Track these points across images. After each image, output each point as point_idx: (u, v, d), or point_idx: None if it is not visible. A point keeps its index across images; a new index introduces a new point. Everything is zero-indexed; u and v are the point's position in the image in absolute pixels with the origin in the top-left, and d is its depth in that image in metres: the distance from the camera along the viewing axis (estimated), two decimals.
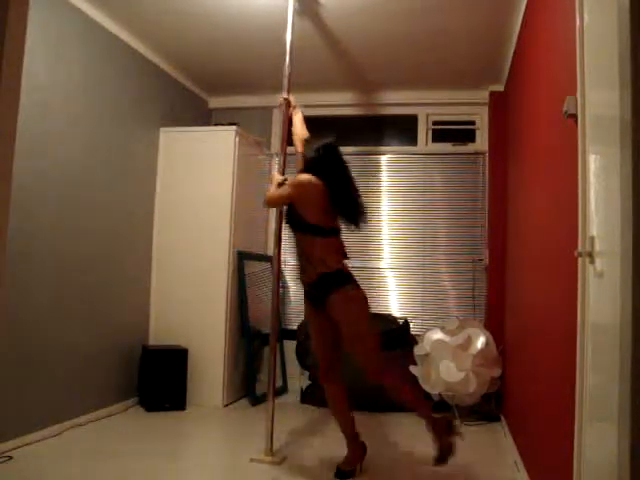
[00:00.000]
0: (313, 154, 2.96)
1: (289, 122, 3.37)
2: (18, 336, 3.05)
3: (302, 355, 4.49)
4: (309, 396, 4.38)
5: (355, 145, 5.15)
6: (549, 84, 2.48)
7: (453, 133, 5.00)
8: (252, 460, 3.01)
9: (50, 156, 3.29)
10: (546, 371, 2.35)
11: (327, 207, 2.85)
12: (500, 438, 3.63)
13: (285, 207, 3.04)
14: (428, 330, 4.33)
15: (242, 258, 4.43)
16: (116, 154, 3.94)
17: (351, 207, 2.92)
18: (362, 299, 2.85)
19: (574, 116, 1.80)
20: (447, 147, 4.99)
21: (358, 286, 2.88)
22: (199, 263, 4.31)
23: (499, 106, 4.56)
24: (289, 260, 5.05)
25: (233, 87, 5.02)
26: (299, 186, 2.85)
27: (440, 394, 4.04)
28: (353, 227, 2.94)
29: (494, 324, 4.37)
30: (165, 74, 4.55)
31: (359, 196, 2.96)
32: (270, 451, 3.06)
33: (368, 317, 2.88)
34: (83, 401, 3.57)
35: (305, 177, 2.87)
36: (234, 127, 4.44)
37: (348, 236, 4.98)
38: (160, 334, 4.31)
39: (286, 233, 3.18)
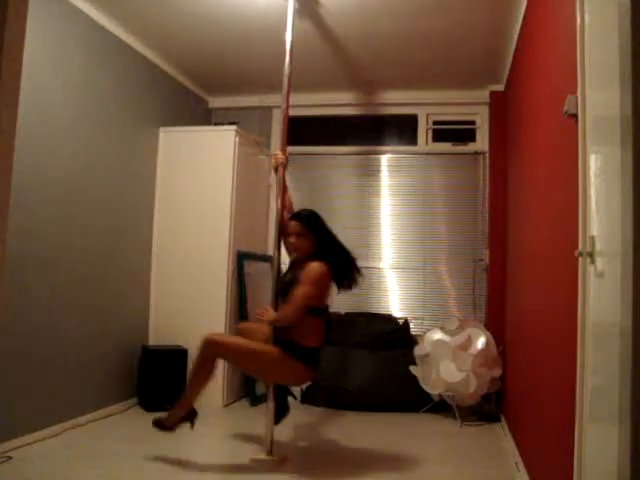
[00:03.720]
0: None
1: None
2: (17, 336, 3.04)
3: None
4: (309, 396, 4.38)
5: (355, 145, 5.16)
6: (549, 84, 2.48)
7: (453, 133, 4.99)
8: (252, 460, 3.01)
9: (50, 156, 3.29)
10: (546, 371, 2.35)
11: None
12: (500, 438, 3.63)
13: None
14: (428, 330, 4.33)
15: (242, 258, 4.43)
16: (116, 154, 3.94)
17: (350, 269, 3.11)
18: None
19: (574, 116, 1.80)
20: (447, 147, 4.99)
21: None
22: (199, 263, 4.31)
23: (499, 106, 4.56)
24: (288, 260, 5.05)
25: (233, 87, 5.02)
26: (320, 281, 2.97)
27: (440, 394, 4.04)
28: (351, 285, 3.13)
29: (494, 324, 4.37)
30: (165, 74, 4.55)
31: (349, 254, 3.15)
32: (270, 451, 3.06)
33: None
34: (83, 401, 3.57)
35: (324, 267, 2.96)
36: (234, 127, 4.44)
37: (348, 234, 5.01)
38: (160, 334, 4.31)
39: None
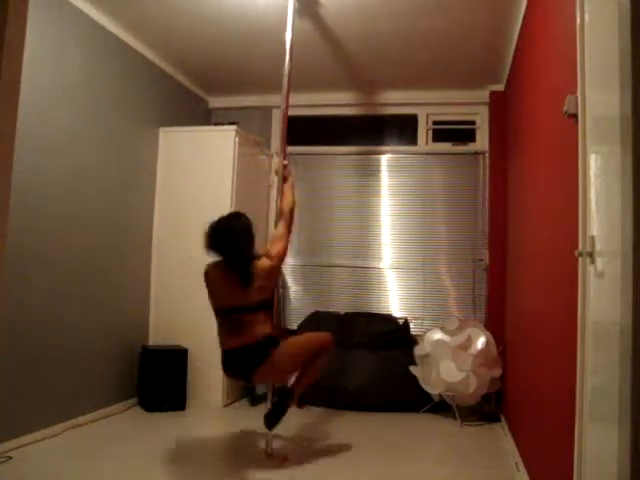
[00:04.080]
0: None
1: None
2: (18, 336, 3.04)
3: None
4: (309, 396, 4.37)
5: (355, 145, 5.16)
6: (549, 84, 2.48)
7: (453, 133, 4.99)
8: (252, 460, 3.01)
9: (50, 156, 3.29)
10: (546, 371, 2.35)
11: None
12: (500, 438, 3.63)
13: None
14: (428, 330, 4.33)
15: None
16: (116, 154, 3.94)
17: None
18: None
19: (574, 116, 1.80)
20: (447, 147, 4.99)
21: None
22: (199, 263, 4.29)
23: (499, 106, 4.56)
24: (289, 260, 5.05)
25: (233, 87, 5.02)
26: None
27: (440, 394, 4.03)
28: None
29: (494, 324, 4.37)
30: (165, 74, 4.55)
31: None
32: (270, 451, 3.06)
33: None
34: (83, 401, 3.57)
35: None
36: (234, 127, 4.44)
37: (348, 234, 5.02)
38: (160, 334, 4.31)
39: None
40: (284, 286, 5.07)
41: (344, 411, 4.15)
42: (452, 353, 3.93)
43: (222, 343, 2.99)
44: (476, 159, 4.89)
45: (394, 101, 4.99)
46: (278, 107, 4.42)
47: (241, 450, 3.20)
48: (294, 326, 4.81)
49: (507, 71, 4.25)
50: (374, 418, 4.02)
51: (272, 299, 3.08)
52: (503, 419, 3.92)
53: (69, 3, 3.40)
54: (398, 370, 4.24)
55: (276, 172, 3.38)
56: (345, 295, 5.00)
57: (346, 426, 3.81)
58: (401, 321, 4.64)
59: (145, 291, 4.34)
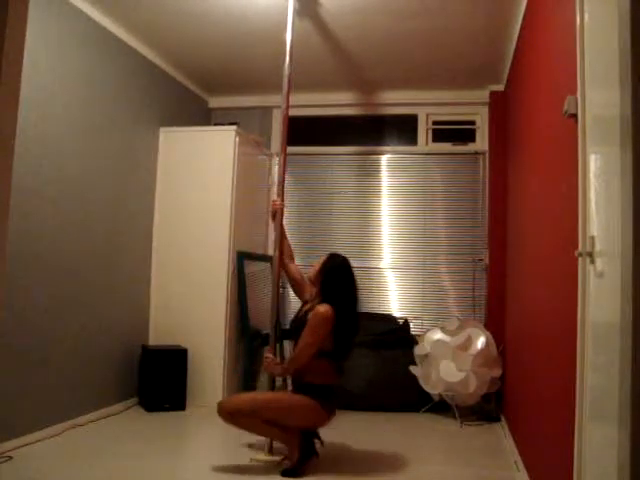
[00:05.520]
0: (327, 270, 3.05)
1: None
2: (17, 336, 3.04)
3: None
4: None
5: (355, 145, 5.16)
6: (549, 84, 2.48)
7: (453, 133, 5.00)
8: (252, 460, 3.01)
9: (50, 156, 3.29)
10: (546, 371, 2.35)
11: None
12: (500, 438, 3.63)
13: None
14: (428, 330, 4.33)
15: (242, 258, 4.43)
16: (116, 154, 3.94)
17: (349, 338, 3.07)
18: None
19: (574, 116, 1.80)
20: (447, 147, 4.99)
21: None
22: (199, 263, 4.31)
23: (499, 106, 4.56)
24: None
25: (233, 87, 5.02)
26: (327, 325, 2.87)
27: (440, 394, 4.04)
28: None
29: (494, 324, 4.37)
30: (165, 74, 4.55)
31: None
32: (270, 451, 3.06)
33: None
34: (83, 401, 3.57)
35: (328, 312, 2.87)
36: (234, 127, 4.44)
37: (348, 234, 5.02)
38: (160, 334, 4.31)
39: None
40: (284, 286, 5.06)
41: (344, 411, 4.12)
42: (452, 353, 3.93)
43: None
44: (476, 159, 4.89)
45: (394, 101, 4.99)
46: (278, 107, 4.42)
47: (241, 450, 3.20)
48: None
49: (507, 71, 4.25)
50: (374, 418, 4.02)
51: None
52: (503, 419, 3.92)
53: (69, 3, 3.40)
54: (398, 370, 4.24)
55: (273, 216, 3.30)
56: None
57: (346, 426, 3.81)
58: (401, 321, 4.64)
59: (145, 291, 4.33)
